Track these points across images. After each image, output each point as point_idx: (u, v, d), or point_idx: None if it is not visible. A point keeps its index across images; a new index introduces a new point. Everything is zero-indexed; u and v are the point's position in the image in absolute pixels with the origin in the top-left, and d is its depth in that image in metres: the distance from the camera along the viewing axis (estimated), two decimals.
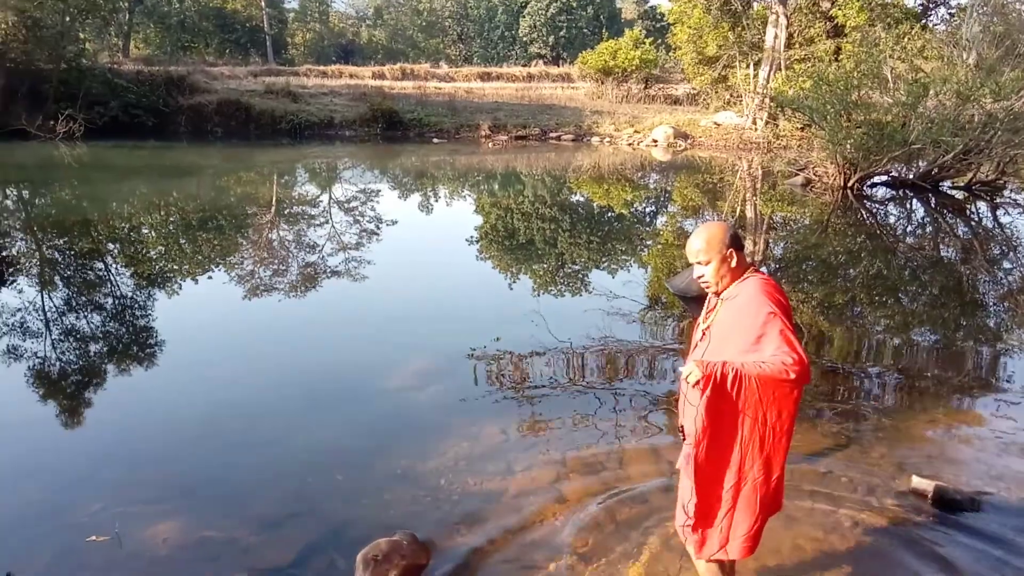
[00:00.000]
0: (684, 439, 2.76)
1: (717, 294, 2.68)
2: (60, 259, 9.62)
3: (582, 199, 16.13)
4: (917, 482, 3.88)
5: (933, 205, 15.21)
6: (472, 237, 11.49)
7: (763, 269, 5.82)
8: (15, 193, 14.85)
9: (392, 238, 11.41)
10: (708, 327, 2.71)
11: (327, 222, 12.38)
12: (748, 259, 2.72)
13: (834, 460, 4.22)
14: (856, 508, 3.72)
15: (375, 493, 3.81)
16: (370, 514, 3.63)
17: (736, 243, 2.64)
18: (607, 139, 26.93)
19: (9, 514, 3.67)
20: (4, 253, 9.76)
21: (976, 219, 14.41)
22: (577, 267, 9.82)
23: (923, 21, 24.76)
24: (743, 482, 2.67)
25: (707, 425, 2.57)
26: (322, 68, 36.76)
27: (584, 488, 3.84)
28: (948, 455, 4.37)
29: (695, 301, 2.85)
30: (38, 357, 5.85)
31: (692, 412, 2.62)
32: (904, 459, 4.25)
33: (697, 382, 2.49)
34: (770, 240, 11.81)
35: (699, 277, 2.67)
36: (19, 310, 6.96)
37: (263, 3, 45.05)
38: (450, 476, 3.97)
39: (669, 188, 18.01)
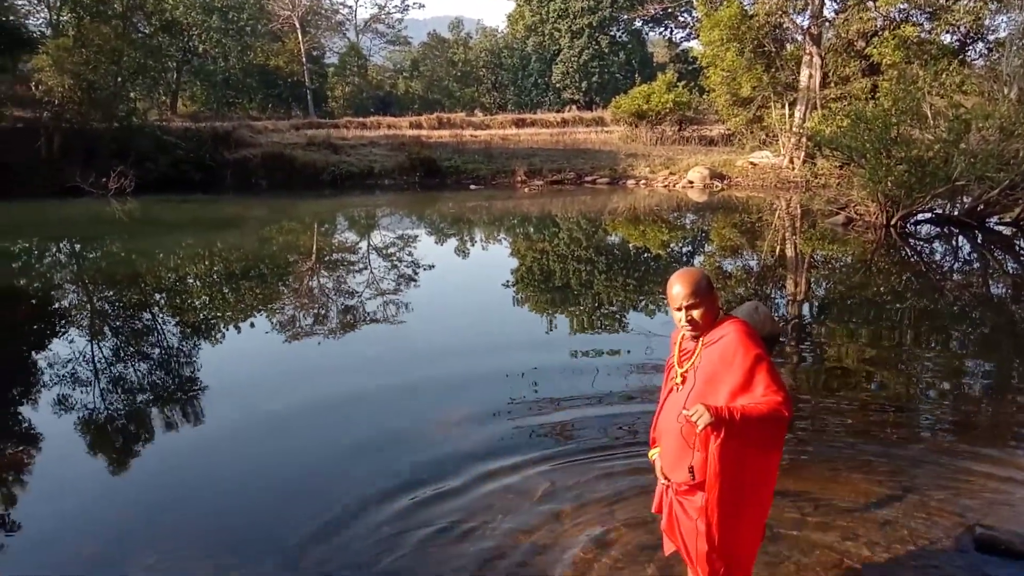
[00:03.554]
0: (672, 486, 2.85)
1: (697, 338, 2.75)
2: (109, 310, 9.88)
3: (618, 241, 16.12)
4: (981, 533, 3.72)
5: (980, 242, 14.85)
6: (509, 280, 11.53)
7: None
8: (68, 247, 15.39)
9: (430, 282, 11.51)
10: (688, 371, 2.78)
11: (366, 268, 12.56)
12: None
13: (891, 509, 4.06)
14: (918, 562, 3.57)
15: (423, 547, 3.76)
16: (419, 569, 3.59)
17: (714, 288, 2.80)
18: (643, 181, 26.98)
19: (66, 570, 3.70)
20: (57, 305, 10.08)
21: None
22: (614, 308, 9.76)
23: (961, 57, 24.51)
24: (755, 518, 2.81)
25: (720, 470, 2.63)
26: (361, 120, 37.66)
27: (636, 542, 3.75)
28: (1011, 502, 4.18)
29: (765, 342, 2.86)
30: (90, 408, 5.98)
31: (689, 457, 2.71)
32: (965, 507, 4.08)
33: (708, 426, 2.53)
34: (812, 279, 11.63)
35: (688, 321, 2.72)
36: (70, 360, 7.14)
37: (304, 60, 46.58)
38: (498, 529, 3.91)
39: (707, 228, 17.91)
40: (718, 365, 2.68)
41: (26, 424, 5.70)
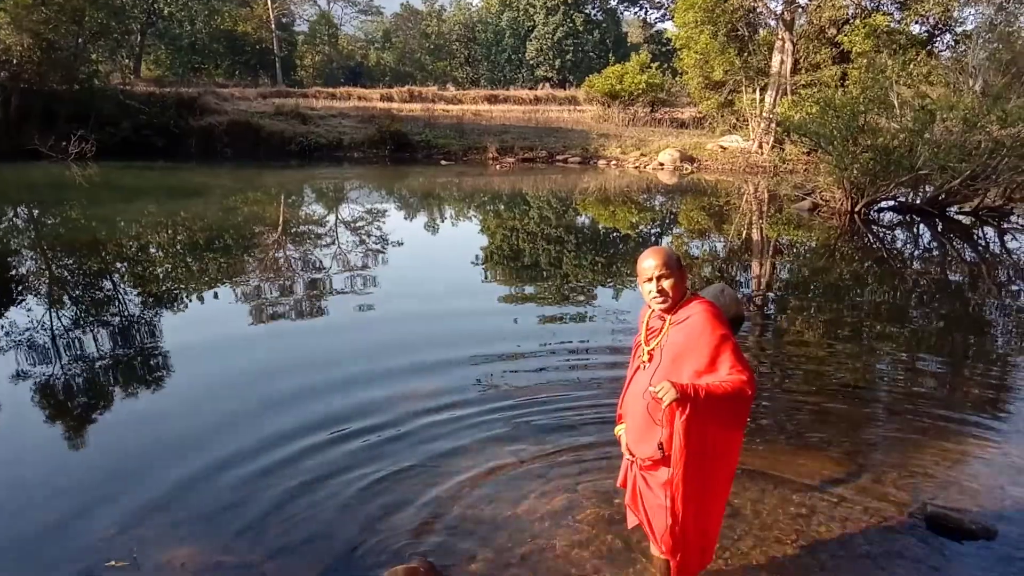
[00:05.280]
0: (636, 461, 2.93)
1: (664, 315, 2.82)
2: (69, 278, 9.66)
3: (588, 221, 16.17)
4: (932, 511, 3.85)
5: (940, 230, 15.20)
6: (478, 258, 11.52)
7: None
8: (26, 212, 14.96)
9: (398, 258, 11.43)
10: (654, 349, 2.84)
11: (333, 242, 12.43)
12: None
13: (846, 488, 4.19)
14: (871, 538, 3.69)
15: (389, 520, 3.79)
16: (384, 541, 3.61)
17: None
18: (613, 162, 27.06)
19: (28, 538, 3.66)
20: (13, 272, 9.82)
21: (983, 244, 14.39)
22: (581, 294, 9.81)
23: (928, 47, 24.90)
24: (717, 494, 2.89)
25: (685, 445, 2.69)
26: (331, 90, 37.06)
27: (599, 516, 3.81)
28: (961, 483, 4.33)
29: (731, 323, 2.93)
30: (50, 376, 5.86)
31: (654, 433, 2.78)
32: (917, 487, 4.22)
33: (674, 402, 2.58)
34: (776, 263, 11.81)
35: (658, 292, 2.79)
36: (28, 329, 6.98)
37: (273, 26, 45.59)
38: (464, 503, 3.95)
39: (675, 210, 18.05)
40: (684, 344, 2.75)
41: None
